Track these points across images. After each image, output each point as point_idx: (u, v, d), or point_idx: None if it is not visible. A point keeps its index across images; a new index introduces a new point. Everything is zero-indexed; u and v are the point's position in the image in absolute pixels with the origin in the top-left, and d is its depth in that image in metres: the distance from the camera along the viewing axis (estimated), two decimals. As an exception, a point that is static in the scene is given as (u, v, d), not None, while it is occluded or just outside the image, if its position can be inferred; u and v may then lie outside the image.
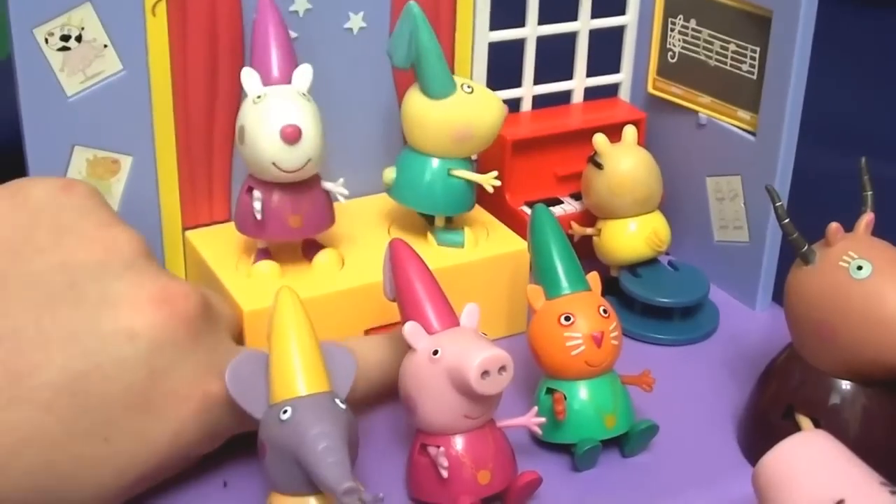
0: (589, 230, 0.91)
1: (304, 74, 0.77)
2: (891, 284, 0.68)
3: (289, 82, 0.77)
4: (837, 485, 0.49)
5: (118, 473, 0.65)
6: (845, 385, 0.71)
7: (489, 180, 0.83)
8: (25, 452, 0.61)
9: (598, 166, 0.89)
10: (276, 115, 0.74)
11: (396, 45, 0.80)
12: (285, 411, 0.63)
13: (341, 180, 0.79)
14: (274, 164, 0.75)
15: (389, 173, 0.84)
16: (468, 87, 0.82)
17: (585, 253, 0.87)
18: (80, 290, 0.65)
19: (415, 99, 0.82)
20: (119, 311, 0.64)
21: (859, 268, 0.69)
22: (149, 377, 0.64)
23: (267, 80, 0.77)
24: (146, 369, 0.64)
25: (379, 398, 0.77)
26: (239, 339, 0.75)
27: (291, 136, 0.74)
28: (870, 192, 0.74)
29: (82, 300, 0.64)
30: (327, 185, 0.79)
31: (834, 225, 0.71)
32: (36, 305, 0.63)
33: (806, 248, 0.72)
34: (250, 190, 0.78)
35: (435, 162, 0.83)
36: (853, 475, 0.49)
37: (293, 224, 0.78)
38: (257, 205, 0.76)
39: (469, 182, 0.83)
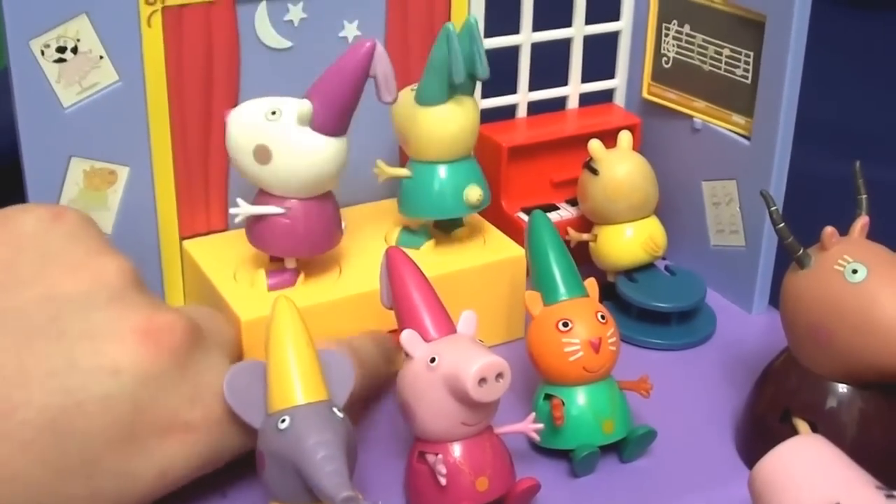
0: (585, 236, 0.91)
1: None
2: (886, 288, 0.69)
3: None
4: (833, 488, 0.49)
5: None
6: (842, 388, 0.71)
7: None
8: (6, 491, 0.60)
9: (594, 172, 0.89)
10: None
11: (475, 60, 0.80)
12: (283, 420, 0.64)
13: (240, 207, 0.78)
14: None
15: (478, 191, 0.84)
16: None
17: (582, 258, 0.87)
18: (63, 323, 0.63)
19: (468, 106, 0.82)
20: (102, 345, 0.63)
21: (854, 271, 0.69)
22: (133, 412, 0.63)
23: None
24: (130, 405, 0.63)
25: (378, 391, 0.79)
26: (238, 350, 0.75)
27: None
28: (864, 196, 0.74)
29: (65, 334, 0.63)
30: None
31: (829, 229, 0.71)
32: (17, 340, 0.62)
33: (801, 252, 0.72)
34: None
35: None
36: (849, 479, 0.50)
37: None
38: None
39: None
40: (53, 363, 0.62)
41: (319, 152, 0.75)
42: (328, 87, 0.76)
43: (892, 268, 0.70)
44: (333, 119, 0.75)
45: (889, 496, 0.48)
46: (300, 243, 0.78)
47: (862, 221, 0.73)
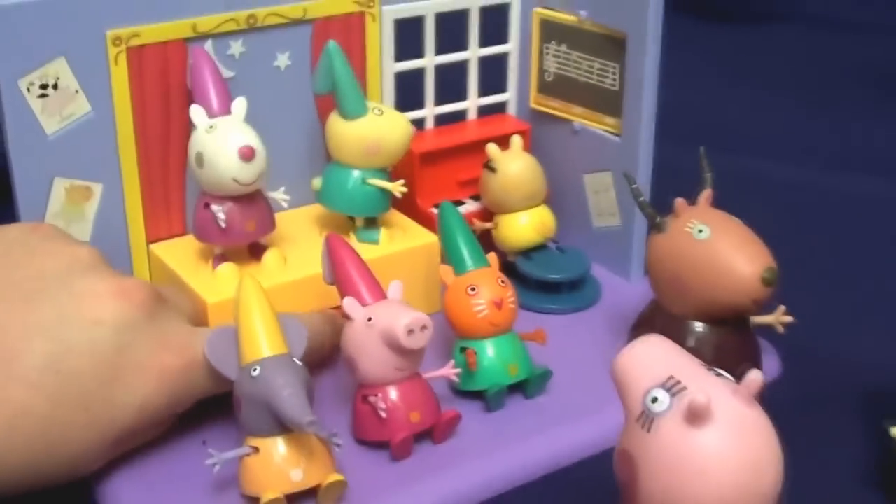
0: (488, 224, 0.98)
1: (241, 106, 0.87)
2: (725, 243, 0.79)
3: (229, 113, 0.87)
4: (671, 368, 0.61)
5: (100, 436, 0.73)
6: (698, 326, 0.81)
7: (397, 188, 0.93)
8: (21, 424, 0.70)
9: (492, 170, 0.97)
10: (233, 139, 0.84)
11: (319, 77, 0.92)
12: (255, 369, 0.72)
13: (282, 188, 0.90)
14: (234, 179, 0.84)
15: (316, 183, 0.96)
16: (378, 109, 0.91)
17: (486, 244, 0.92)
18: (52, 291, 0.74)
19: (334, 121, 0.93)
20: (86, 303, 0.74)
21: (700, 231, 0.79)
22: (115, 353, 0.73)
23: (211, 114, 0.87)
24: (112, 347, 0.73)
25: (321, 360, 0.86)
26: (196, 321, 0.82)
27: (248, 154, 0.83)
28: (709, 174, 0.84)
29: (55, 298, 0.73)
30: (271, 194, 0.89)
31: (680, 200, 0.82)
32: (18, 305, 0.73)
33: (659, 219, 0.82)
34: (207, 205, 0.86)
35: (355, 173, 0.92)
36: (684, 362, 0.61)
37: (249, 228, 0.87)
38: (221, 215, 0.85)
39: (383, 188, 0.94)
40: (49, 319, 0.74)
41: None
42: (219, 84, 0.88)
43: (730, 227, 0.80)
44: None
45: (717, 374, 0.60)
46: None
47: (706, 193, 0.82)
